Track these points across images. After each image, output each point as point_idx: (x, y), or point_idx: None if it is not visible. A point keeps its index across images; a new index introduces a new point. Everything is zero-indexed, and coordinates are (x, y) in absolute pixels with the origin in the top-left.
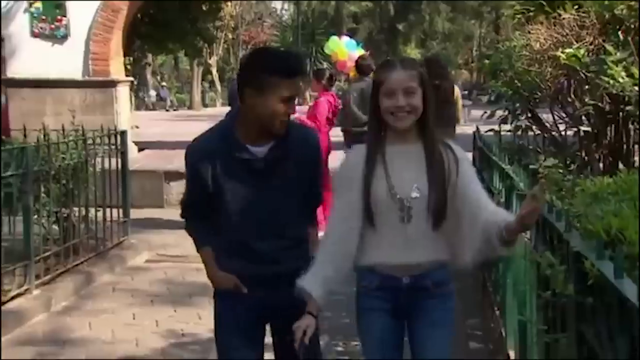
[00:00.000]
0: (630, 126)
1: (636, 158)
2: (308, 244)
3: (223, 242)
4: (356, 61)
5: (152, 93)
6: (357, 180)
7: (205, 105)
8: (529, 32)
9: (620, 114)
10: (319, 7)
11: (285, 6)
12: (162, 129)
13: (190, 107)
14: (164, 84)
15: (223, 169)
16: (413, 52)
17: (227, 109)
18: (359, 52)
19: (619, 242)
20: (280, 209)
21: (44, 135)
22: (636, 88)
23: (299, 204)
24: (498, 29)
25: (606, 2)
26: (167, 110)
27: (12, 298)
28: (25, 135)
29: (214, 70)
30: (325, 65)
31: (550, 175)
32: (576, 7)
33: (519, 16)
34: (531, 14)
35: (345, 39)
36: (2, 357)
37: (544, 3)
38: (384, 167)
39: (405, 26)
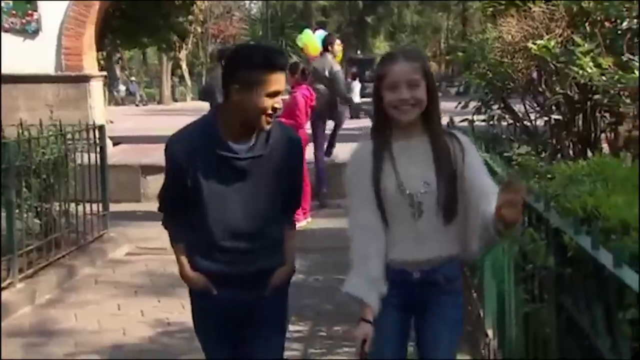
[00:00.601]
0: (598, 114)
1: (604, 145)
2: (283, 246)
3: (198, 239)
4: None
5: (122, 88)
6: (367, 177)
7: (175, 100)
8: (501, 25)
9: (589, 102)
10: (288, 1)
11: None
12: (134, 124)
13: (160, 102)
14: (133, 78)
15: (203, 165)
16: (382, 44)
17: (197, 103)
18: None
19: (594, 217)
20: (259, 208)
21: (22, 131)
22: (603, 77)
23: (278, 204)
24: (465, 21)
25: None
26: (136, 105)
27: None
28: (0, 130)
29: (184, 65)
30: (294, 58)
31: (524, 162)
32: (545, 0)
33: (490, 9)
34: (502, 7)
35: (319, 32)
36: None
37: None
38: (392, 162)
39: (374, 19)
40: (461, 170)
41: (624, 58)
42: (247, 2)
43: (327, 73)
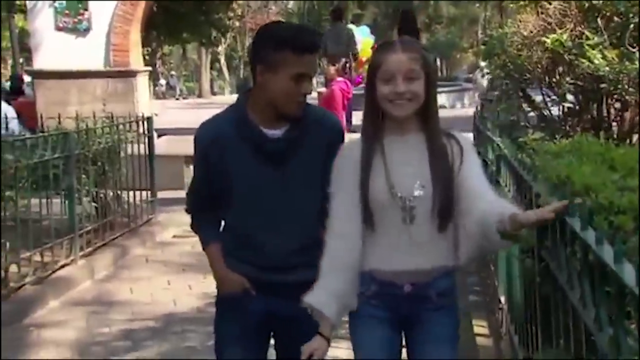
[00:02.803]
0: (607, 102)
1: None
2: (321, 249)
3: (230, 239)
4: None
5: (162, 82)
6: (355, 176)
7: (214, 93)
8: (520, 21)
9: (598, 92)
10: None
11: None
12: (175, 117)
13: (199, 96)
14: (173, 72)
15: (234, 154)
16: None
17: (236, 96)
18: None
19: (563, 183)
20: (298, 200)
21: (78, 123)
22: (607, 68)
23: (317, 197)
24: (502, 12)
25: None
26: (177, 99)
27: (61, 267)
28: (59, 123)
29: (222, 59)
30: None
31: (534, 146)
32: None
33: (511, 6)
34: (522, 2)
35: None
36: (58, 317)
37: None
38: (383, 162)
39: (411, 10)
40: (458, 173)
41: (625, 50)
42: None
43: None
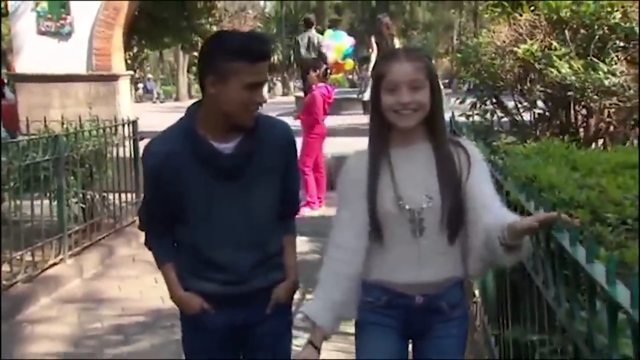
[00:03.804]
0: (575, 109)
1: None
2: (283, 258)
3: (187, 257)
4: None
5: (140, 85)
6: (361, 189)
7: (191, 97)
8: (493, 31)
9: (565, 99)
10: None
11: None
12: (153, 120)
13: (177, 99)
14: (149, 76)
15: (188, 171)
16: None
17: None
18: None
19: (531, 181)
20: (252, 215)
21: (67, 126)
22: (574, 77)
23: (274, 209)
24: (477, 18)
25: (554, 6)
26: (153, 102)
27: (50, 266)
28: (45, 126)
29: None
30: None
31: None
32: (532, 8)
33: (486, 15)
34: (496, 14)
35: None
36: (50, 313)
37: (506, 5)
38: (390, 174)
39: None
40: (465, 184)
41: (589, 60)
42: (262, 0)
43: None
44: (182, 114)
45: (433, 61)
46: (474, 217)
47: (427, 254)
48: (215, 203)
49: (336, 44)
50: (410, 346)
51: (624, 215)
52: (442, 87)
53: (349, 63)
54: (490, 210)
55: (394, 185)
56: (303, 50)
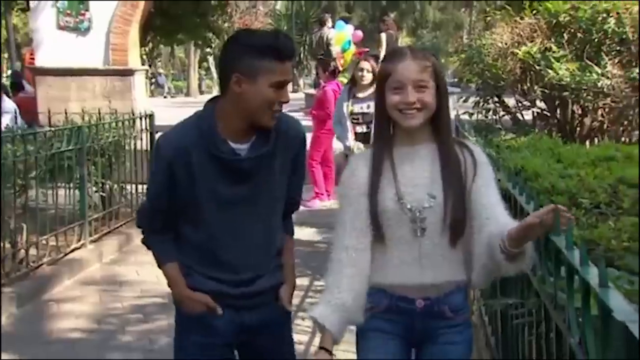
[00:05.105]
0: (571, 108)
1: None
2: (282, 258)
3: (194, 256)
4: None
5: (152, 80)
6: (363, 188)
7: (201, 92)
8: (495, 34)
9: (563, 99)
10: None
11: None
12: (165, 114)
13: (187, 94)
14: (161, 71)
15: (201, 169)
16: (405, 40)
17: None
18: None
19: (519, 171)
20: (265, 214)
21: (89, 118)
22: (569, 79)
23: (280, 209)
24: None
25: (553, 11)
26: (164, 97)
27: (72, 250)
28: (66, 118)
29: (210, 58)
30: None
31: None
32: (534, 12)
33: (489, 18)
34: (498, 17)
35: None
36: (74, 294)
37: (509, 8)
38: (392, 172)
39: (397, 15)
40: (470, 188)
41: (584, 63)
42: None
43: None
44: (193, 109)
45: (442, 60)
46: (479, 225)
47: (428, 255)
48: (227, 203)
49: (337, 34)
50: (413, 354)
51: (597, 200)
52: (451, 86)
53: (349, 53)
54: (495, 221)
55: (395, 184)
56: (316, 47)
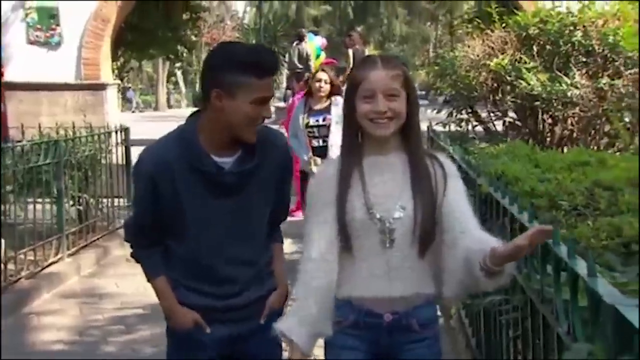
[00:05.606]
0: (542, 117)
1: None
2: (273, 266)
3: (181, 270)
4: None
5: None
6: (331, 198)
7: (170, 106)
8: (468, 46)
9: (534, 108)
10: (280, 10)
11: (247, 9)
12: (135, 128)
13: (155, 109)
14: (129, 85)
15: (185, 184)
16: (372, 53)
17: (192, 110)
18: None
19: (499, 176)
20: (249, 229)
21: (65, 132)
22: (540, 89)
23: (266, 222)
24: (452, 32)
25: (522, 24)
26: (132, 112)
27: (50, 264)
28: (40, 132)
29: (179, 72)
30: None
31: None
32: (504, 25)
33: (460, 31)
34: (469, 29)
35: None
36: (54, 307)
37: (479, 21)
38: (361, 182)
39: (364, 29)
40: (441, 201)
41: (554, 74)
42: (240, 11)
43: None
44: (162, 123)
45: (410, 73)
46: (453, 239)
47: (396, 267)
48: (211, 217)
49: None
50: None
51: (575, 202)
52: (420, 99)
53: (318, 61)
54: (470, 235)
55: (364, 194)
56: (296, 61)
